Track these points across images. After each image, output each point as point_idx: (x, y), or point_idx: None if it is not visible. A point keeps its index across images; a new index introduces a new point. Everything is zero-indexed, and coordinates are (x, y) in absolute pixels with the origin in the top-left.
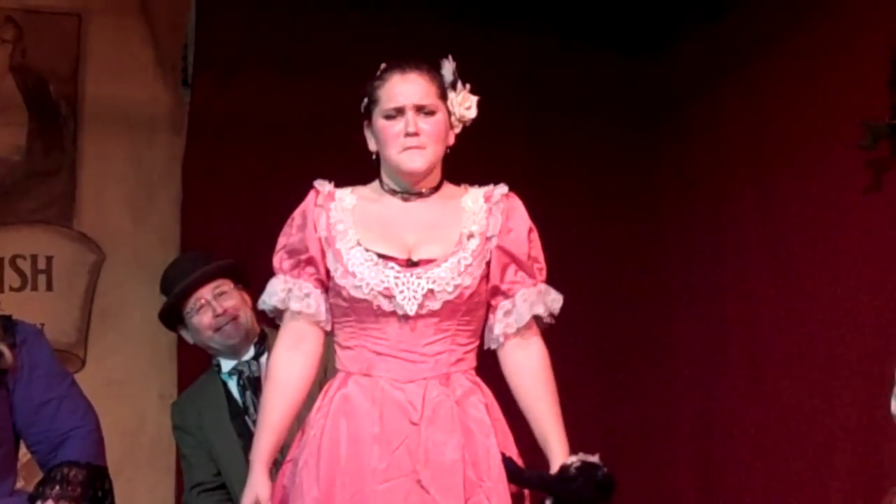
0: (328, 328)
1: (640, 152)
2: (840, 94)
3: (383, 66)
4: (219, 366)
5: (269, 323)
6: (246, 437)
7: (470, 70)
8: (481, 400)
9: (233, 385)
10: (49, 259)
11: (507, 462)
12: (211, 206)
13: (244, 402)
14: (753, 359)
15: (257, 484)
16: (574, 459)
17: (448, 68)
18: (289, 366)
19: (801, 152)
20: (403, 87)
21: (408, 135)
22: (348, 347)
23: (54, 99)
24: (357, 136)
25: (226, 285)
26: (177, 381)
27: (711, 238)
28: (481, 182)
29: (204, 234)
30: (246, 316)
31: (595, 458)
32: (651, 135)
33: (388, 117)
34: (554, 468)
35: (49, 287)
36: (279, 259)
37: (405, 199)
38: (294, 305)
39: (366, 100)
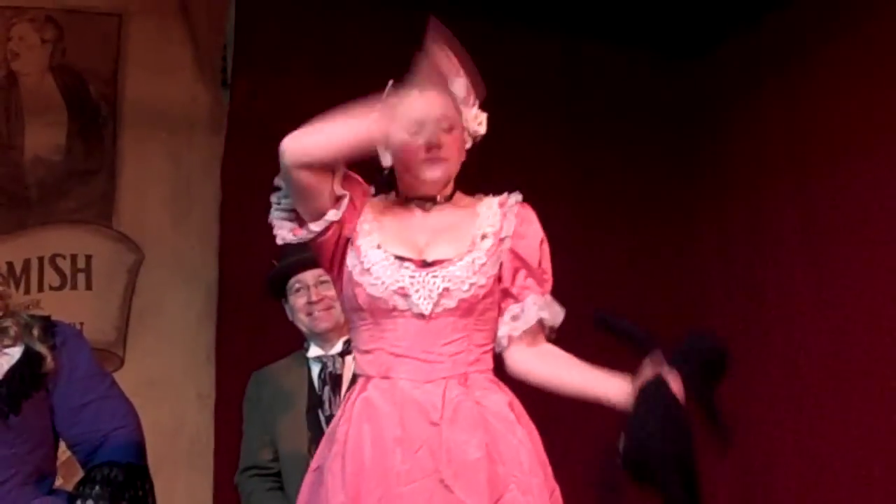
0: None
1: (679, 156)
2: (878, 97)
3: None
4: (307, 349)
5: None
6: (315, 431)
7: (509, 74)
8: (503, 399)
9: (315, 373)
10: (88, 258)
11: (599, 313)
12: (250, 207)
13: (321, 396)
14: (792, 360)
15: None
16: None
17: (460, 84)
18: None
19: (840, 155)
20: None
21: (430, 148)
22: (367, 351)
23: (94, 99)
24: None
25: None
26: (215, 380)
27: (751, 240)
28: (520, 182)
29: (243, 234)
30: (341, 309)
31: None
32: (690, 138)
33: (412, 133)
34: (622, 392)
35: (88, 286)
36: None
37: (421, 207)
38: None
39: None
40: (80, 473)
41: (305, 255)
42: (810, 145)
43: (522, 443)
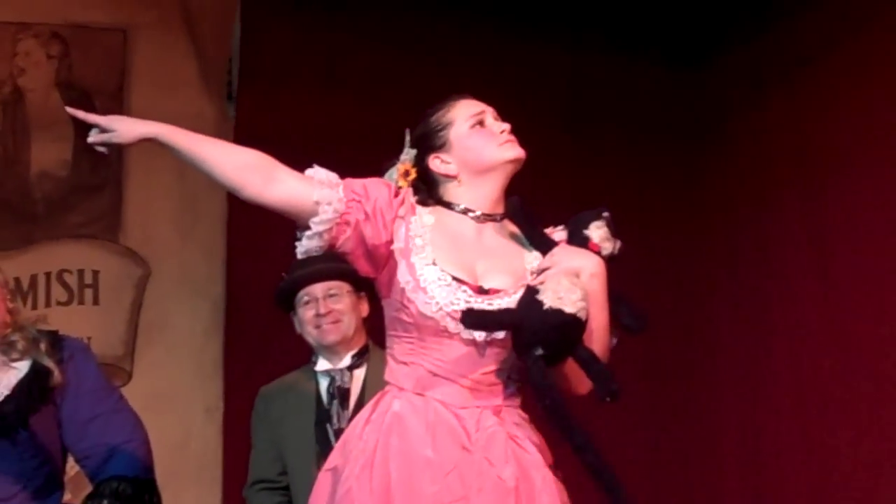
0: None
1: (684, 164)
2: (883, 106)
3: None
4: (315, 362)
5: (379, 341)
6: (323, 445)
7: (514, 82)
8: (532, 438)
9: (323, 387)
10: (95, 273)
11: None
12: (256, 221)
13: (329, 410)
14: (799, 371)
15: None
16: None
17: None
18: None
19: (846, 163)
20: (477, 104)
21: (502, 131)
22: (404, 363)
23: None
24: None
25: (340, 288)
26: (223, 394)
27: (756, 249)
28: (524, 191)
29: (249, 248)
30: (350, 322)
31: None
32: (696, 146)
33: (476, 124)
34: None
35: (96, 301)
36: (352, 181)
37: (478, 221)
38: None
39: (427, 134)
40: (89, 488)
41: (314, 268)
42: (816, 153)
43: (550, 485)
